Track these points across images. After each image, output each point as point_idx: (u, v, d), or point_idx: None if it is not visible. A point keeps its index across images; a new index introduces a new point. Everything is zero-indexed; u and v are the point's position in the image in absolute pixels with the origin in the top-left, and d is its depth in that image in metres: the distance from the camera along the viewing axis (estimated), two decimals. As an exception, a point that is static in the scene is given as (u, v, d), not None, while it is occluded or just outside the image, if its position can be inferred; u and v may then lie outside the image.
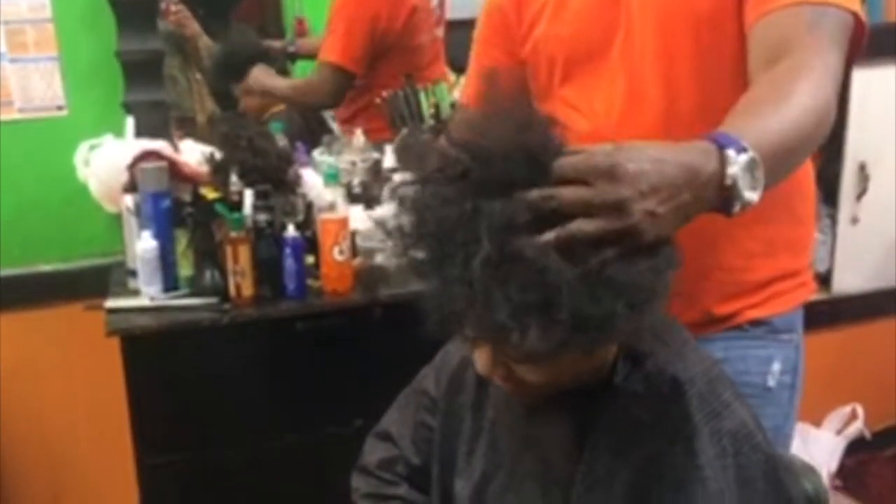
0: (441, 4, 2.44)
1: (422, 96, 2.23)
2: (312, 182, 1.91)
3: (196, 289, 1.75)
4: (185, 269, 1.77)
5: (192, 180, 1.83)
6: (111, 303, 1.76)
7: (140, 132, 1.96)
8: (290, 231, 1.74)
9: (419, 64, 2.34)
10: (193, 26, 2.49)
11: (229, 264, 1.71)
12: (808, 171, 1.22)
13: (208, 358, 1.73)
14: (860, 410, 2.59)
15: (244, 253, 1.71)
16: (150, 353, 1.69)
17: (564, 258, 0.73)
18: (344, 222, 1.77)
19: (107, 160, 1.85)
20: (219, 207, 1.75)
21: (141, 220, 1.78)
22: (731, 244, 1.16)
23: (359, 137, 2.15)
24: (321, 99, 2.35)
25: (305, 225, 1.83)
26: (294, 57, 2.53)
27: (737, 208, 0.79)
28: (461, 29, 1.54)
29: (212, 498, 1.78)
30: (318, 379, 1.79)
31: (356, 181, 2.06)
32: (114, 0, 1.98)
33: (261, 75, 2.37)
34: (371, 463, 1.18)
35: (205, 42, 2.51)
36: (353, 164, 2.10)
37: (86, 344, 1.86)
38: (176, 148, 1.95)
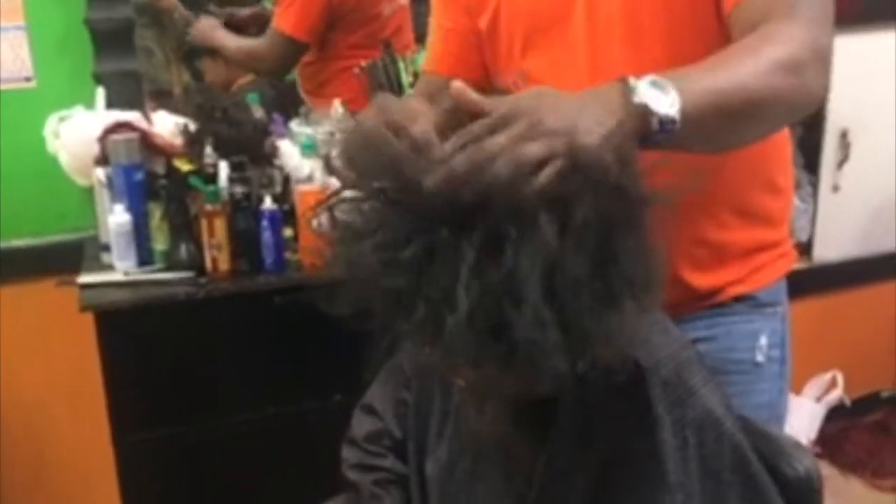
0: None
1: (401, 65, 2.20)
2: (289, 153, 1.88)
3: (171, 263, 1.73)
4: (159, 243, 1.74)
5: (165, 152, 1.80)
6: (84, 278, 1.73)
7: (111, 103, 1.91)
8: (268, 203, 1.72)
9: (381, 35, 2.31)
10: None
11: (205, 238, 1.69)
12: (784, 140, 1.20)
13: (184, 333, 1.70)
14: (840, 378, 2.61)
15: (220, 226, 1.68)
16: (124, 328, 1.66)
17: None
18: (322, 194, 1.74)
19: (77, 132, 1.81)
20: (193, 180, 1.72)
21: (113, 193, 1.74)
22: (707, 217, 1.13)
23: (336, 108, 2.12)
24: (269, 67, 2.33)
25: (283, 197, 1.80)
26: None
27: (655, 125, 0.78)
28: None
29: (190, 473, 1.77)
30: (296, 353, 1.77)
31: (334, 152, 2.03)
32: (81, -33, 1.94)
33: (207, 29, 2.33)
34: (359, 435, 1.17)
35: (181, 14, 2.46)
36: (332, 134, 2.06)
37: (60, 320, 1.83)
38: (148, 119, 1.91)
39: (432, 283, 0.72)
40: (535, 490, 0.90)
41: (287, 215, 1.78)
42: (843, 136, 2.43)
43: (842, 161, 2.46)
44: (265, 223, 1.71)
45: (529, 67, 1.16)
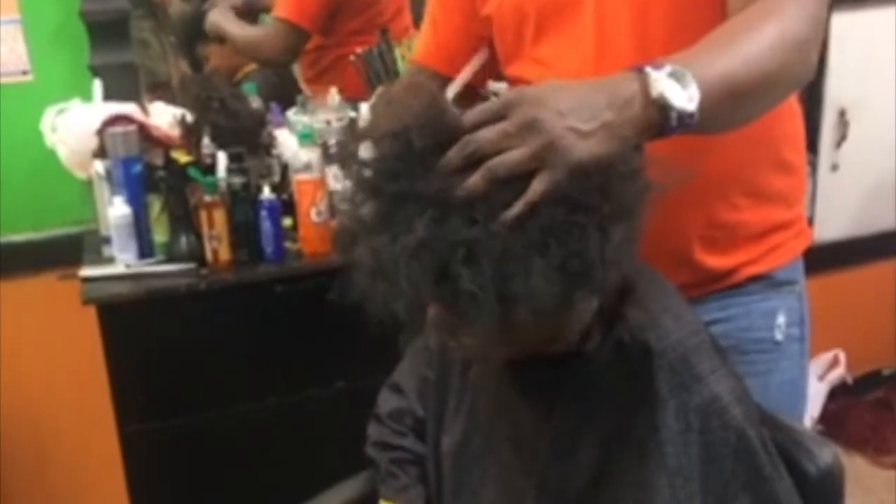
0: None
1: (396, 52, 2.19)
2: (287, 143, 1.88)
3: (172, 255, 1.73)
4: (159, 235, 1.74)
5: (163, 144, 1.80)
6: (86, 271, 1.73)
7: (108, 95, 1.91)
8: (266, 193, 1.72)
9: (379, 20, 2.30)
10: (164, -13, 2.43)
11: (205, 229, 1.69)
12: (795, 118, 1.18)
13: (187, 324, 1.71)
14: (842, 356, 2.62)
15: (220, 217, 1.68)
16: (127, 320, 1.67)
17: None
18: (320, 183, 1.74)
19: (75, 125, 1.81)
20: (192, 171, 1.72)
21: (112, 185, 1.74)
22: (720, 199, 1.12)
23: (333, 96, 2.11)
24: (272, 54, 2.31)
25: (281, 187, 1.80)
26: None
27: (674, 121, 0.78)
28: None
29: (195, 463, 1.77)
30: (298, 342, 1.78)
31: (332, 141, 2.03)
32: (75, -42, 1.93)
33: (219, 18, 2.32)
34: (383, 413, 1.20)
35: (176, 6, 2.45)
36: (329, 123, 2.06)
37: (62, 314, 1.83)
38: (146, 111, 1.90)
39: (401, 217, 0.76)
40: (541, 465, 0.91)
41: (286, 205, 1.78)
42: (842, 114, 2.42)
43: (840, 140, 2.46)
44: (264, 213, 1.71)
45: (541, 55, 1.14)
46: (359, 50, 2.19)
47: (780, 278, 1.18)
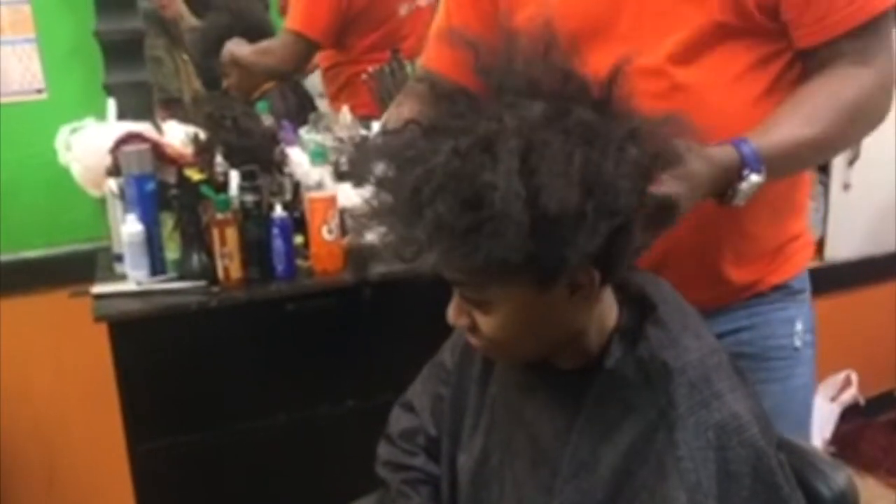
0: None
1: (409, 70, 2.20)
2: (299, 161, 1.88)
3: (183, 272, 1.73)
4: (171, 253, 1.75)
5: (176, 162, 1.80)
6: (98, 288, 1.74)
7: (122, 114, 1.92)
8: (278, 211, 1.72)
9: (397, 36, 2.31)
10: (177, 7, 2.45)
11: (216, 246, 1.69)
12: None
13: (198, 341, 1.71)
14: (854, 377, 2.60)
15: (231, 235, 1.69)
16: (138, 338, 1.67)
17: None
18: (332, 201, 1.75)
19: (89, 144, 1.82)
20: (204, 189, 1.72)
21: (126, 203, 1.75)
22: (748, 212, 1.15)
23: (345, 114, 2.13)
24: (279, 64, 2.32)
25: (293, 205, 1.80)
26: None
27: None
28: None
29: (205, 481, 1.77)
30: (309, 360, 1.78)
31: (344, 159, 2.04)
32: (91, -22, 1.95)
33: (231, 46, 2.34)
34: (394, 432, 1.19)
35: (189, 24, 2.48)
36: (341, 141, 2.07)
37: (73, 330, 1.84)
38: (159, 129, 1.92)
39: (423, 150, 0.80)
40: (560, 481, 0.91)
41: (297, 223, 1.78)
42: (853, 134, 2.42)
43: (852, 159, 2.45)
44: (276, 231, 1.72)
45: None
46: (370, 69, 2.21)
47: (796, 287, 1.25)
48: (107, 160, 1.78)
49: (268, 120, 1.96)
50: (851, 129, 1.09)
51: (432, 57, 1.31)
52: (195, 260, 1.72)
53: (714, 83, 1.09)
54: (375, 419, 1.24)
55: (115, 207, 1.79)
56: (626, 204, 0.79)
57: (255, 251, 1.73)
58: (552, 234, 0.76)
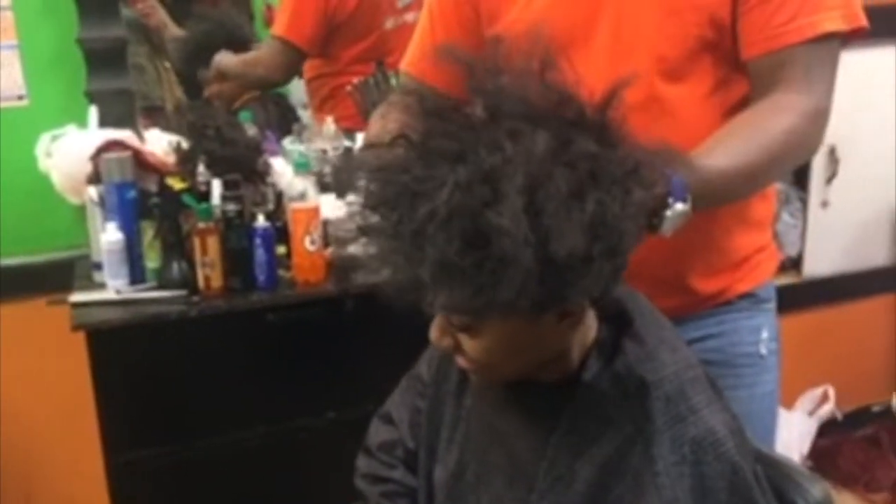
0: (412, -10, 2.41)
1: (393, 83, 2.20)
2: (282, 171, 1.88)
3: (163, 281, 1.72)
4: (152, 262, 1.74)
5: (158, 170, 1.79)
6: (76, 297, 1.72)
7: (104, 121, 1.91)
8: (261, 221, 1.72)
9: (383, 49, 2.32)
10: (159, 16, 2.45)
11: (197, 256, 1.68)
12: None
13: (177, 351, 1.70)
14: (831, 392, 2.62)
15: (213, 244, 1.68)
16: (117, 347, 1.66)
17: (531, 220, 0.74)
18: (315, 211, 1.74)
19: (69, 151, 1.81)
20: (186, 198, 1.72)
21: (106, 211, 1.74)
22: (714, 221, 1.18)
23: (329, 125, 2.12)
24: (266, 73, 2.32)
25: (276, 215, 1.80)
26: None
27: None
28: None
29: (183, 493, 1.75)
30: (289, 371, 1.77)
31: (327, 170, 2.03)
32: (74, -14, 1.94)
33: (219, 57, 2.35)
34: (373, 444, 1.19)
35: (171, 33, 2.47)
36: (324, 152, 2.07)
37: (51, 339, 1.81)
38: (141, 137, 1.91)
39: (424, 181, 0.76)
40: (536, 496, 0.91)
41: (280, 233, 1.77)
42: (832, 152, 2.45)
43: (830, 177, 2.48)
44: (258, 241, 1.71)
45: None
46: (354, 80, 2.21)
47: (763, 296, 1.27)
48: (87, 167, 1.77)
49: (251, 130, 1.96)
50: (778, 163, 1.07)
51: (424, 70, 1.29)
52: (175, 269, 1.71)
53: (689, 96, 1.11)
54: (356, 431, 1.23)
55: (94, 215, 1.78)
56: (629, 245, 0.80)
57: (237, 261, 1.72)
58: (558, 278, 0.76)
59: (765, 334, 1.27)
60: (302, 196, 1.76)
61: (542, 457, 0.91)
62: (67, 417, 2.04)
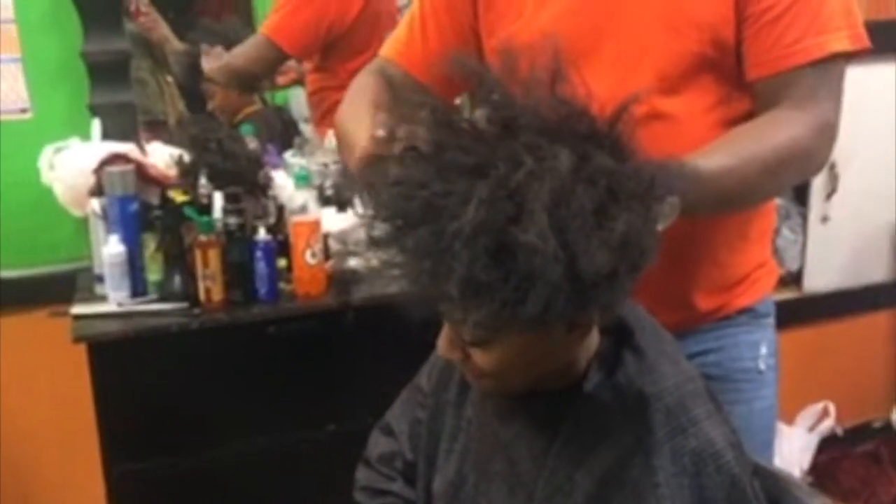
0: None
1: (394, 97, 2.21)
2: (284, 184, 1.89)
3: (165, 294, 1.73)
4: (153, 274, 1.74)
5: (160, 183, 1.80)
6: (77, 309, 1.73)
7: (107, 135, 1.92)
8: (262, 234, 1.72)
9: None
10: (162, 30, 2.46)
11: (199, 268, 1.69)
12: None
13: (178, 364, 1.70)
14: (832, 408, 2.62)
15: (214, 257, 1.69)
16: (117, 359, 1.66)
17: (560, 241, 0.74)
18: (316, 225, 1.75)
19: (72, 163, 1.82)
20: (188, 211, 1.72)
21: (108, 224, 1.75)
22: (716, 237, 1.18)
23: (330, 139, 2.13)
24: (246, 65, 2.33)
25: (277, 228, 1.81)
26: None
27: None
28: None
29: (182, 505, 1.75)
30: (290, 384, 1.77)
31: (328, 183, 2.04)
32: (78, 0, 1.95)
33: (207, 60, 2.36)
34: (372, 456, 1.18)
35: (173, 47, 2.48)
36: (325, 165, 2.08)
37: (52, 351, 1.82)
38: (143, 150, 1.92)
39: (447, 196, 0.76)
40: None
41: (281, 246, 1.78)
42: (832, 167, 2.45)
43: (830, 192, 2.49)
44: (259, 254, 1.72)
45: None
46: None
47: (762, 311, 1.27)
48: (90, 180, 1.77)
49: (252, 143, 1.96)
50: (777, 172, 1.05)
51: (414, 64, 1.27)
52: (177, 281, 1.72)
53: (690, 112, 1.11)
54: (356, 443, 1.23)
55: (97, 228, 1.78)
56: (650, 260, 0.80)
57: (238, 273, 1.72)
58: (583, 294, 0.76)
59: (763, 349, 1.26)
60: (303, 209, 1.77)
61: (543, 466, 0.91)
62: (67, 429, 2.04)
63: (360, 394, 1.72)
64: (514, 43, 0.86)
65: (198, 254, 1.68)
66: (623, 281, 0.78)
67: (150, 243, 1.73)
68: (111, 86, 2.01)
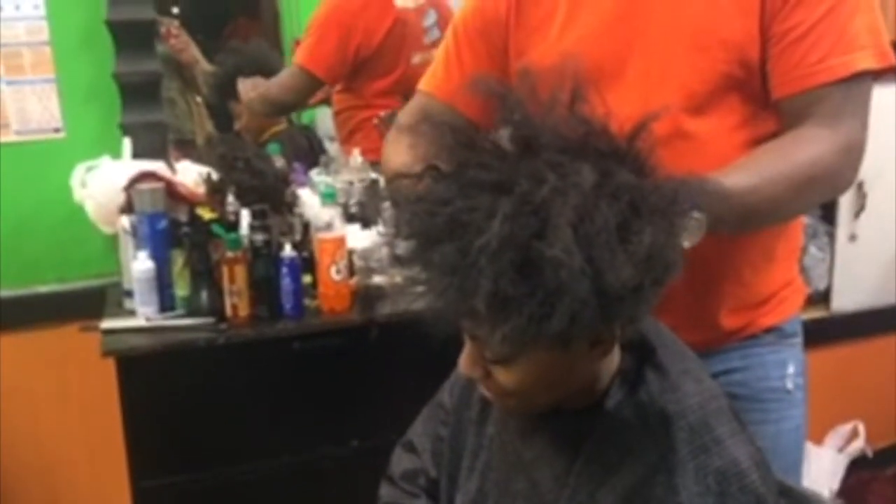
0: (442, 26, 2.45)
1: (419, 116, 2.23)
2: (310, 202, 1.91)
3: (192, 309, 1.75)
4: (181, 290, 1.77)
5: (188, 201, 1.83)
6: (107, 323, 1.75)
7: (137, 153, 1.95)
8: (287, 251, 1.74)
9: (410, 84, 2.34)
10: (192, 52, 2.51)
11: (226, 284, 1.71)
12: None
13: (204, 378, 1.72)
14: (861, 428, 2.58)
15: (241, 273, 1.71)
16: (145, 373, 1.68)
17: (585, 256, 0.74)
18: (341, 241, 1.77)
19: (103, 182, 1.85)
20: (215, 227, 1.75)
21: (137, 240, 1.77)
22: (742, 256, 1.17)
23: (356, 157, 2.16)
24: (282, 96, 2.38)
25: (302, 244, 1.82)
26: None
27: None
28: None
29: (208, 520, 1.76)
30: (314, 399, 1.78)
31: (353, 201, 2.06)
32: (111, 22, 1.99)
33: (243, 86, 2.40)
34: (396, 473, 1.19)
35: (202, 68, 2.53)
36: (350, 183, 2.10)
37: (82, 365, 1.85)
38: (173, 169, 1.95)
39: (470, 213, 0.77)
40: None
41: (306, 262, 1.80)
42: (860, 186, 2.43)
43: (858, 211, 2.46)
44: (285, 270, 1.73)
45: None
46: (382, 113, 2.24)
47: (788, 331, 1.26)
48: (120, 198, 1.81)
49: (279, 161, 1.99)
50: (802, 190, 1.05)
51: (454, 97, 1.26)
52: (204, 297, 1.74)
53: (716, 132, 1.11)
54: (379, 459, 1.23)
55: (126, 244, 1.81)
56: (674, 274, 0.81)
57: (264, 290, 1.74)
58: (609, 308, 0.77)
59: (791, 369, 1.25)
60: (328, 226, 1.78)
61: (565, 485, 0.91)
62: (95, 442, 2.07)
63: (383, 410, 1.73)
64: (535, 65, 0.87)
65: (225, 270, 1.70)
66: (648, 295, 0.79)
67: (179, 259, 1.76)
68: (142, 106, 2.05)
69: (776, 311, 1.24)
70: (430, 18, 2.43)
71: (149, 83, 2.07)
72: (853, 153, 1.08)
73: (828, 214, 2.47)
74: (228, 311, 1.72)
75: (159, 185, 1.79)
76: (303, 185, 2.01)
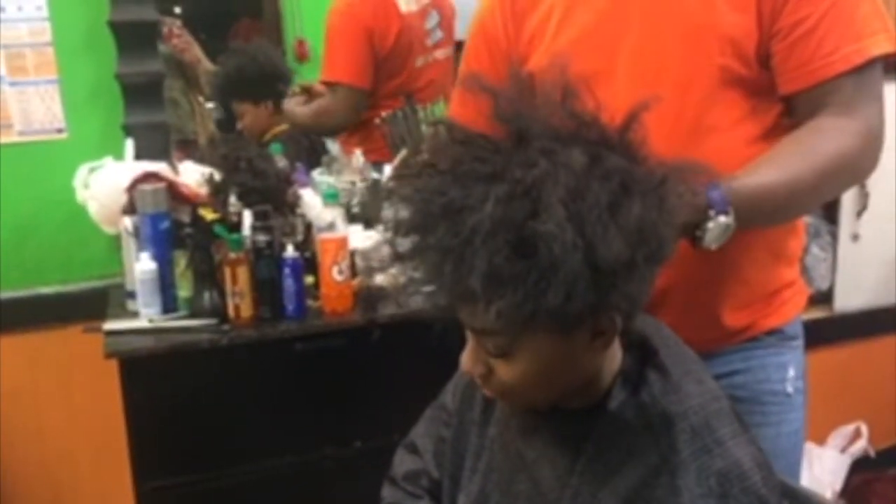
0: (444, 27, 2.45)
1: (420, 116, 2.23)
2: (312, 202, 1.91)
3: (195, 310, 1.75)
4: (183, 291, 1.77)
5: (191, 201, 1.83)
6: (110, 325, 1.76)
7: (140, 154, 1.96)
8: (290, 251, 1.74)
9: (414, 86, 2.35)
10: (194, 52, 2.51)
11: (228, 285, 1.71)
12: None
13: (207, 379, 1.72)
14: (864, 429, 2.57)
15: (243, 274, 1.71)
16: (148, 374, 1.68)
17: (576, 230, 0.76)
18: (343, 242, 1.77)
19: (106, 182, 1.85)
20: (218, 228, 1.75)
21: (140, 241, 1.77)
22: (745, 252, 1.17)
23: (358, 157, 2.16)
24: (338, 121, 2.35)
25: (305, 245, 1.82)
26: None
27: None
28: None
29: (210, 521, 1.76)
30: (317, 400, 1.78)
31: (355, 201, 2.07)
32: (113, 23, 1.99)
33: (288, 106, 2.39)
34: (398, 474, 1.19)
35: (205, 67, 2.53)
36: (353, 184, 2.10)
37: (85, 366, 1.85)
38: (175, 169, 1.95)
39: (464, 196, 0.78)
40: None
41: (308, 263, 1.80)
42: (862, 185, 2.43)
43: (860, 210, 2.46)
44: (287, 271, 1.73)
45: None
46: (383, 114, 2.24)
47: (790, 333, 1.26)
48: (123, 198, 1.81)
49: (281, 162, 1.99)
50: (828, 181, 1.07)
51: (454, 106, 1.31)
52: (206, 298, 1.74)
53: (716, 124, 1.11)
54: (382, 460, 1.24)
55: (129, 245, 1.81)
56: (669, 251, 0.82)
57: (267, 290, 1.74)
58: (604, 284, 0.77)
59: (791, 372, 1.25)
60: (330, 227, 1.78)
61: (567, 485, 0.91)
62: (98, 443, 2.07)
63: (386, 411, 1.73)
64: (530, 68, 0.88)
65: (227, 271, 1.70)
66: (642, 272, 0.80)
67: (181, 260, 1.76)
68: (145, 106, 2.05)
69: (778, 312, 1.24)
70: (433, 20, 2.43)
71: (151, 84, 2.07)
72: (874, 139, 1.08)
73: (830, 214, 2.47)
74: (231, 311, 1.72)
75: (162, 185, 1.79)
76: (305, 185, 2.01)
